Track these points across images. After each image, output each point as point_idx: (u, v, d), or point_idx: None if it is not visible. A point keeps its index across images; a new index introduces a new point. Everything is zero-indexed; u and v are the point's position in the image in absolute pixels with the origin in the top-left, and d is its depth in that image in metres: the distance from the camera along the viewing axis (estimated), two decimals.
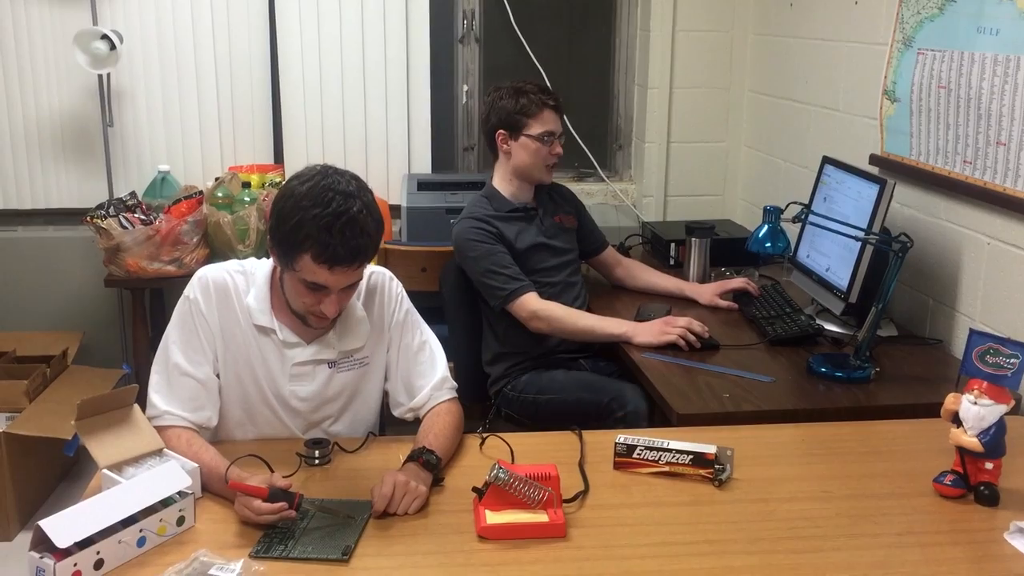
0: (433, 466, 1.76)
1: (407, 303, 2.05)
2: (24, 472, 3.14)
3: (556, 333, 2.68)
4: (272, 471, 1.71)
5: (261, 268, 1.96)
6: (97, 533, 1.48)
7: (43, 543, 1.44)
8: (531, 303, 2.65)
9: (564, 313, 2.67)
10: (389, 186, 3.84)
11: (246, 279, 1.94)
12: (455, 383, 2.05)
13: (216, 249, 3.40)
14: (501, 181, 2.83)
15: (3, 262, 3.76)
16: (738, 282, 2.94)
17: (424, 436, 1.88)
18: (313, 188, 1.76)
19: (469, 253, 2.71)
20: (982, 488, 1.73)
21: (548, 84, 3.72)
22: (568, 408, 2.58)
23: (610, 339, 2.61)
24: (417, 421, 1.99)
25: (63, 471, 3.44)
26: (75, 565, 1.45)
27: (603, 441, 1.91)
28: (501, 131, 2.78)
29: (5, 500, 3.06)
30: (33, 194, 3.73)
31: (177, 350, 1.88)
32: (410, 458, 1.77)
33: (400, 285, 2.06)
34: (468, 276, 2.77)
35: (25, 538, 1.47)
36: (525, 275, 2.70)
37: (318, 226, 1.73)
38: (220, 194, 3.43)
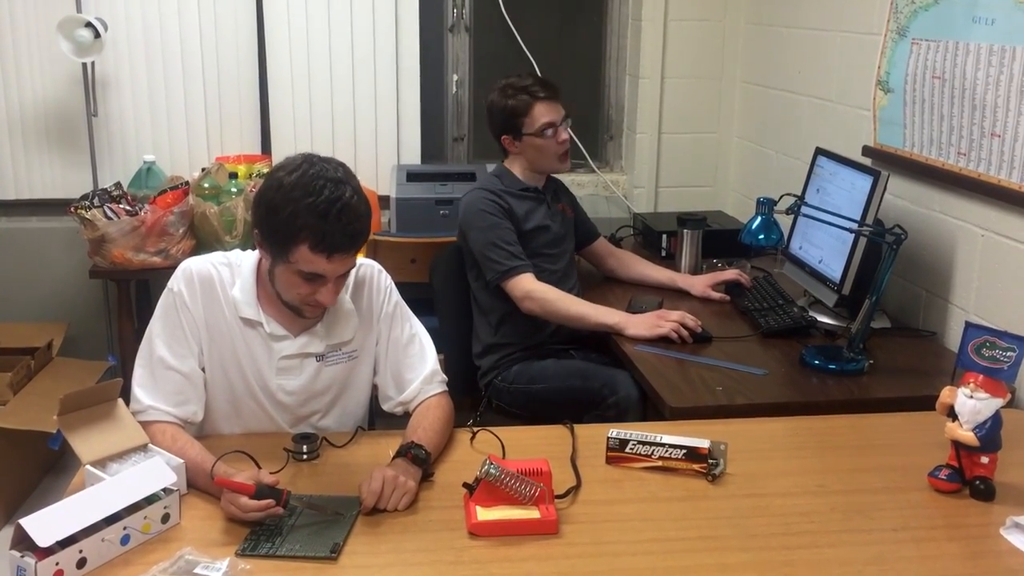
0: (422, 461, 1.74)
1: (396, 295, 2.03)
2: (8, 466, 3.11)
3: (548, 316, 2.65)
4: (259, 467, 1.68)
5: (247, 260, 1.93)
6: (80, 531, 1.45)
7: (24, 542, 1.41)
8: (526, 283, 2.63)
9: (557, 297, 2.65)
10: (378, 177, 3.81)
11: (231, 271, 1.91)
12: (445, 376, 2.03)
13: (202, 240, 3.36)
14: (513, 167, 2.82)
15: None
16: (730, 274, 2.92)
17: (413, 431, 1.85)
18: (301, 177, 1.73)
19: (477, 223, 2.69)
20: (978, 483, 1.71)
21: (538, 73, 3.71)
22: (560, 396, 2.57)
23: (602, 328, 2.59)
24: (407, 415, 1.97)
25: (48, 464, 3.40)
26: (57, 564, 1.41)
27: (595, 435, 1.88)
28: (505, 135, 2.77)
29: None
30: (17, 184, 3.68)
31: (161, 343, 1.85)
32: (399, 453, 1.75)
33: (389, 277, 2.03)
34: (466, 254, 2.75)
35: (9, 533, 1.44)
36: (527, 256, 2.68)
37: (314, 215, 1.70)
38: (206, 185, 3.40)
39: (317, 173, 1.74)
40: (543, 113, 2.73)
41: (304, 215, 1.71)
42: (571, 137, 3.86)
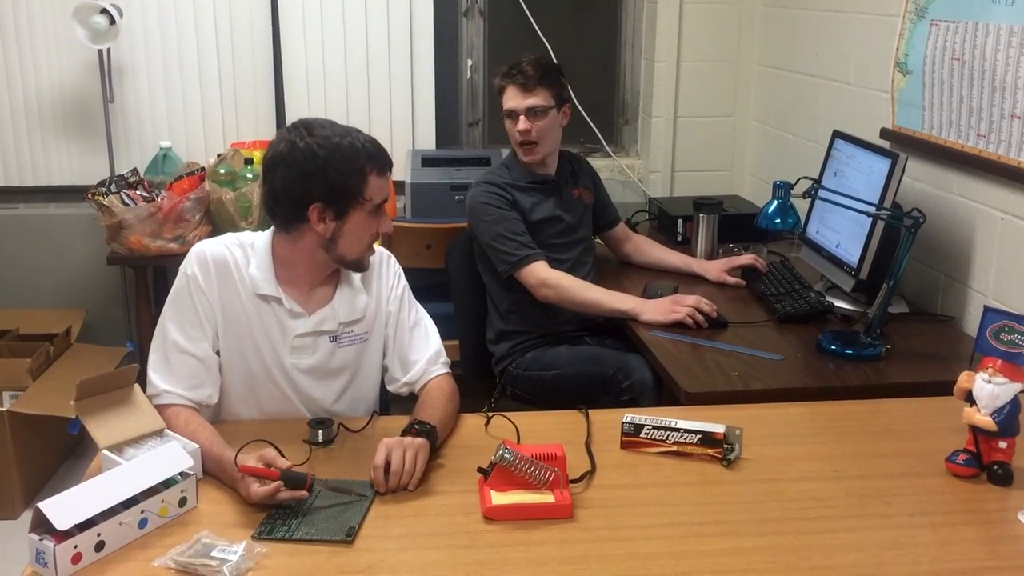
0: (427, 433, 1.74)
1: (404, 280, 2.07)
2: (28, 451, 3.14)
3: (563, 303, 2.65)
4: (282, 455, 1.66)
5: (260, 239, 1.95)
6: (98, 515, 1.46)
7: (43, 525, 1.43)
8: (540, 271, 2.62)
9: (572, 283, 2.64)
10: (393, 162, 3.80)
11: (244, 251, 1.93)
12: (448, 359, 2.05)
13: (219, 226, 3.38)
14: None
15: (5, 239, 3.74)
16: (746, 258, 2.91)
17: (416, 413, 1.87)
18: (318, 136, 1.83)
19: (482, 217, 2.68)
20: (995, 467, 1.70)
21: (552, 57, 3.69)
22: (573, 382, 2.56)
23: (616, 314, 2.59)
24: (412, 396, 1.99)
25: (68, 449, 3.43)
26: (75, 547, 1.43)
27: (610, 420, 1.88)
28: None
29: (9, 479, 3.06)
30: (35, 171, 3.71)
31: (175, 328, 1.86)
32: (404, 432, 1.75)
33: (398, 263, 2.07)
34: (476, 245, 2.74)
35: (29, 516, 1.45)
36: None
37: (365, 149, 1.85)
38: (222, 170, 3.40)
39: (319, 124, 1.85)
40: (509, 98, 2.70)
41: (359, 154, 1.84)
42: (589, 124, 3.89)
